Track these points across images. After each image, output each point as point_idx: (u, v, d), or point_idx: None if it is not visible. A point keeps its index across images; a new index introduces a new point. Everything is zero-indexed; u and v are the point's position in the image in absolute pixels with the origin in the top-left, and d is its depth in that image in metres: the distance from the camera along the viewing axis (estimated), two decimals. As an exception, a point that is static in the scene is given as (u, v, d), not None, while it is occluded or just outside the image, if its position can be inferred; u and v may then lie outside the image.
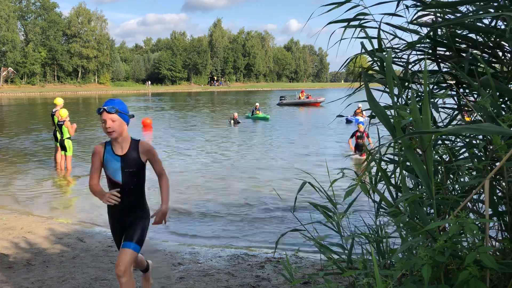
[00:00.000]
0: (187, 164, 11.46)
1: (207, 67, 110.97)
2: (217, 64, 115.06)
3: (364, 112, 21.42)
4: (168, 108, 36.05)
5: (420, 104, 1.98)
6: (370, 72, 2.81)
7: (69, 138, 10.29)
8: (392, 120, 2.01)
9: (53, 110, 11.05)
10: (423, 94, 1.88)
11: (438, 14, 2.60)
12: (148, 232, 3.16)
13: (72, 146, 10.41)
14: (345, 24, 2.61)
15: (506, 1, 2.30)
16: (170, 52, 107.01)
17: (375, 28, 2.54)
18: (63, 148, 10.31)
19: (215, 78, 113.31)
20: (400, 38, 2.69)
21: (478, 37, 2.50)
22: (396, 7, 2.63)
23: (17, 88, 77.00)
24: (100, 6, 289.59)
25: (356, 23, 2.60)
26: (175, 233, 6.09)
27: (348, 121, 21.21)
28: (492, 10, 2.37)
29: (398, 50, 2.73)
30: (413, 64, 2.74)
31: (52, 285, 4.01)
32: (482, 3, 2.38)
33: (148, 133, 18.89)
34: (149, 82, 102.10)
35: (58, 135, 10.39)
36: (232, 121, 22.14)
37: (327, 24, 2.66)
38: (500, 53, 2.51)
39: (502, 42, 2.45)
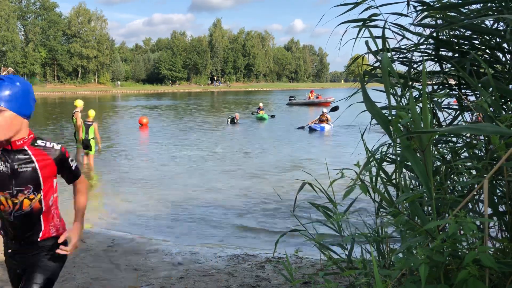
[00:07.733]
0: (185, 164, 11.47)
1: (207, 67, 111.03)
2: (217, 64, 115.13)
3: (329, 117, 19.59)
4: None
5: (419, 104, 1.98)
6: (375, 72, 2.81)
7: (93, 138, 10.69)
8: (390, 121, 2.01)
9: (74, 112, 11.19)
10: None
11: (440, 16, 2.60)
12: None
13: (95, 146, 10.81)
14: (359, 24, 2.60)
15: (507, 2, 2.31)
16: (170, 52, 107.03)
17: (381, 27, 2.55)
18: (87, 147, 10.65)
19: (215, 78, 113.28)
20: (408, 39, 2.69)
21: (480, 38, 2.51)
22: (408, 8, 2.62)
23: (17, 88, 76.93)
24: (109, 7, 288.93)
25: (360, 23, 2.60)
26: (175, 233, 6.10)
27: (312, 130, 18.89)
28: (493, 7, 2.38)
29: (405, 51, 2.73)
30: (418, 64, 2.75)
31: (52, 285, 4.02)
32: (483, 4, 2.39)
33: (145, 132, 19.00)
34: (119, 82, 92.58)
35: (82, 135, 10.66)
36: (229, 120, 22.21)
37: (340, 24, 2.64)
38: (501, 55, 2.52)
39: (504, 44, 2.46)
